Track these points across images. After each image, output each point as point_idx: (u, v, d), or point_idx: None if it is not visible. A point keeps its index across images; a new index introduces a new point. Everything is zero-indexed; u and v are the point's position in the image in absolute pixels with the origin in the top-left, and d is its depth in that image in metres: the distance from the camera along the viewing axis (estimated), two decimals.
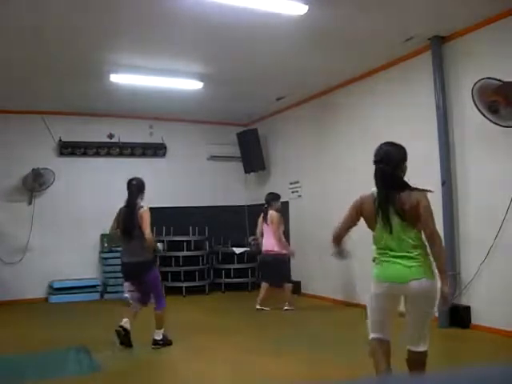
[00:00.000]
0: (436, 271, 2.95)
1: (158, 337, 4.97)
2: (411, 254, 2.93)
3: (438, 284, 2.97)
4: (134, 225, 4.78)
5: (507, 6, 4.83)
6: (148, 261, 4.90)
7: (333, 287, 7.55)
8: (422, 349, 3.00)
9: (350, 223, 3.20)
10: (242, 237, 9.54)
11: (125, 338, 4.79)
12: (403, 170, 3.09)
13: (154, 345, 4.94)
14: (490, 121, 4.79)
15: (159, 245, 5.25)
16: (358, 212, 3.15)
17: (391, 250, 2.99)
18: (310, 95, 8.05)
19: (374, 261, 3.12)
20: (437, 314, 5.49)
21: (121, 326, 4.78)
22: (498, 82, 4.68)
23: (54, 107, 8.38)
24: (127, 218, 4.84)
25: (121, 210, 5.00)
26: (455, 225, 5.55)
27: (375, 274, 3.08)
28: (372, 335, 3.11)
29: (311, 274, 8.05)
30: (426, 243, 2.98)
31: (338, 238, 3.26)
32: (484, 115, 4.80)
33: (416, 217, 2.93)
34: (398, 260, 2.95)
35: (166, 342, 5.03)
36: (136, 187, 4.96)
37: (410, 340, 3.03)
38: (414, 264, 2.91)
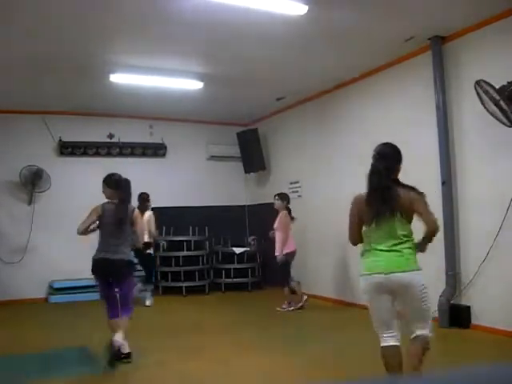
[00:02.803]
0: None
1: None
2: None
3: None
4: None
5: (507, 6, 4.83)
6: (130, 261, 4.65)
7: (333, 287, 7.55)
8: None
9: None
10: (242, 237, 9.54)
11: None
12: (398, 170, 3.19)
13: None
14: (501, 119, 4.73)
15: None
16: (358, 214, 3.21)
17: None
18: (310, 95, 8.05)
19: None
20: (437, 314, 5.52)
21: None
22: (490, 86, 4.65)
23: (54, 107, 8.38)
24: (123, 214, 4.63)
25: (105, 205, 4.73)
26: (455, 224, 5.55)
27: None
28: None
29: (311, 274, 8.04)
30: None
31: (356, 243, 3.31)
32: (496, 113, 4.74)
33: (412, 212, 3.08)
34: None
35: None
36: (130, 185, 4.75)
37: None
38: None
